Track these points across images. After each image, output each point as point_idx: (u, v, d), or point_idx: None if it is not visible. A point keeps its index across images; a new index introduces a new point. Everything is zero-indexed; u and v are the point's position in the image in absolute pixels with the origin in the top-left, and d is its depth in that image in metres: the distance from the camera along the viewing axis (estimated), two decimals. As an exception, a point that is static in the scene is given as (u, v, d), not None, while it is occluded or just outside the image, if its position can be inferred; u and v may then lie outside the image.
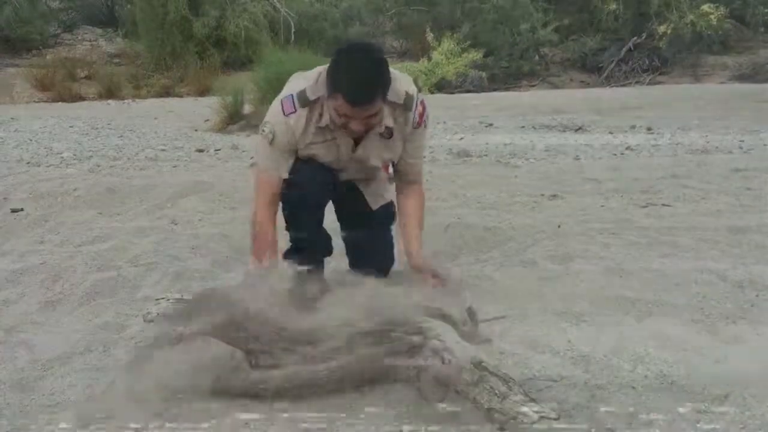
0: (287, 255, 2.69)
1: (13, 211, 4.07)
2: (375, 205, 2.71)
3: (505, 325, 2.28)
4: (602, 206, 4.03)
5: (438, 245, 3.47)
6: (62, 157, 5.75)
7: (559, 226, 3.53)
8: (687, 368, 1.98)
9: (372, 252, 2.78)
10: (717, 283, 2.71)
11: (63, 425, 1.74)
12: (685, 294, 2.57)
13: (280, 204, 2.51)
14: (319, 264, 2.70)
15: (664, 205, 4.07)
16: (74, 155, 5.86)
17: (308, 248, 2.62)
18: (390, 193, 2.75)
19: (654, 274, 2.80)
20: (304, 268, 2.61)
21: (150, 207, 4.01)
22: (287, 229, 2.62)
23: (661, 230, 3.42)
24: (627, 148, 6.24)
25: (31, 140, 6.95)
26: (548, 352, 2.10)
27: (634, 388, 1.88)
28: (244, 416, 1.74)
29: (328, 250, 2.79)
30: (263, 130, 2.48)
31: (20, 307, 2.56)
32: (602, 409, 1.77)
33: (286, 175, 2.45)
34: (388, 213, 2.76)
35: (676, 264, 2.94)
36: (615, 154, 5.99)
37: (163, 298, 1.83)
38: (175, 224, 3.65)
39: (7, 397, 1.90)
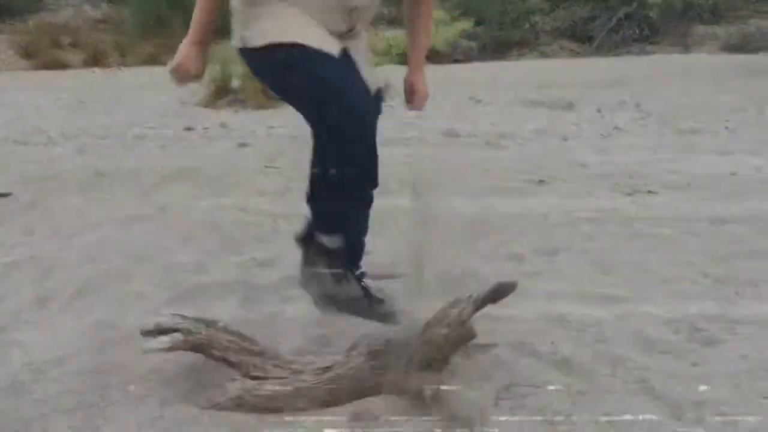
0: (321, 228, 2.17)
1: (2, 195, 4.07)
2: (373, 85, 2.20)
3: (490, 325, 2.33)
4: (588, 193, 4.09)
5: (427, 235, 3.51)
6: (49, 136, 5.74)
7: (545, 217, 3.59)
8: (665, 372, 2.04)
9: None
10: (698, 278, 2.78)
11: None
12: (667, 290, 2.64)
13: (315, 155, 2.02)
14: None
15: (649, 192, 4.12)
16: (62, 133, 5.84)
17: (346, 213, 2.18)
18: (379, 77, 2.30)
19: (636, 269, 2.86)
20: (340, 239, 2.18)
21: (139, 193, 4.02)
22: (327, 186, 2.05)
23: (646, 221, 3.48)
24: (615, 128, 6.29)
25: (18, 117, 6.92)
26: (532, 355, 2.15)
27: (614, 393, 1.94)
28: (236, 425, 1.79)
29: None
30: None
31: (12, 304, 2.58)
32: (583, 417, 1.83)
33: None
34: (379, 102, 2.31)
35: (658, 258, 3.00)
36: (603, 135, 6.04)
37: (161, 314, 1.88)
38: (165, 212, 3.67)
39: (3, 403, 1.93)
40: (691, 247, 3.12)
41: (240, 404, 1.85)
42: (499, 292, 1.90)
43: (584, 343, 2.23)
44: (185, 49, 1.98)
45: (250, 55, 2.03)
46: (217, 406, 1.86)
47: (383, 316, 2.46)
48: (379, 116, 2.22)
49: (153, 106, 7.68)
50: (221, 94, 8.10)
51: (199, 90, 8.15)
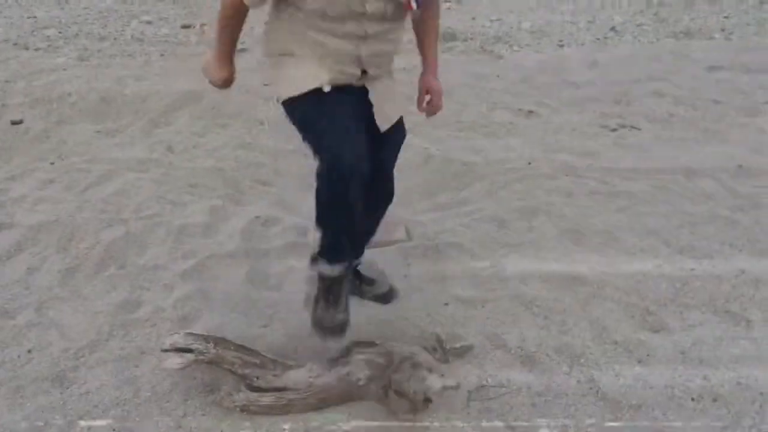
0: (322, 255, 2.33)
1: (13, 123, 4.26)
2: (384, 124, 2.35)
3: (468, 312, 2.66)
4: (574, 130, 4.27)
5: (418, 179, 3.77)
6: (48, 37, 5.77)
7: (529, 163, 3.81)
8: (613, 370, 2.38)
9: (377, 186, 2.43)
10: (660, 249, 3.07)
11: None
12: (629, 269, 2.93)
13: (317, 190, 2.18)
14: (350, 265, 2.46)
15: (632, 127, 4.31)
16: (60, 33, 5.86)
17: (347, 245, 2.36)
18: (401, 106, 2.48)
19: (606, 238, 3.14)
20: (341, 268, 2.32)
21: (145, 125, 4.21)
22: (322, 223, 2.26)
23: (623, 173, 3.71)
24: (611, 29, 6.29)
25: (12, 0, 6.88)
26: (501, 348, 2.48)
27: (567, 395, 2.29)
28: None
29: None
30: None
31: (43, 276, 2.88)
32: (538, 420, 2.19)
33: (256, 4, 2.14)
34: (399, 134, 2.47)
35: (628, 223, 3.27)
36: (598, 38, 6.07)
37: (176, 333, 2.21)
38: (172, 152, 3.89)
39: (51, 397, 2.28)
40: (659, 208, 3.39)
41: (244, 410, 2.19)
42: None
43: (549, 334, 2.56)
44: (210, 61, 2.30)
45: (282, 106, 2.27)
46: (226, 411, 2.22)
47: (377, 297, 2.78)
48: (401, 145, 2.48)
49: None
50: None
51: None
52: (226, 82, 2.38)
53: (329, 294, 2.32)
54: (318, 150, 2.13)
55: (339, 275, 2.32)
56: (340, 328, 2.31)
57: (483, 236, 3.18)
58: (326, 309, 2.32)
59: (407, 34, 2.40)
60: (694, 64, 5.32)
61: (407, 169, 3.81)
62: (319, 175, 2.13)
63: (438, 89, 2.53)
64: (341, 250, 2.32)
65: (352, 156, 2.10)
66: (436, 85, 2.52)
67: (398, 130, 2.47)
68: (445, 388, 2.18)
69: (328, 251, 2.30)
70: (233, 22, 2.23)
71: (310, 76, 2.19)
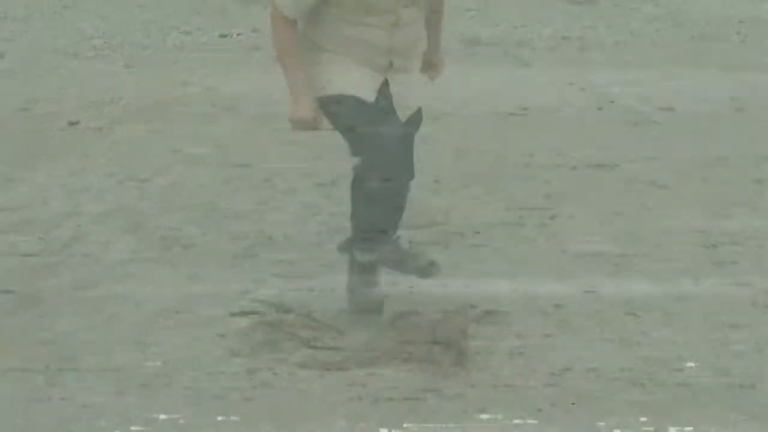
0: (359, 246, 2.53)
1: (71, 124, 4.59)
2: (405, 115, 2.50)
3: (505, 283, 2.89)
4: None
5: (450, 173, 4.02)
6: (94, 46, 6.10)
7: (559, 155, 4.08)
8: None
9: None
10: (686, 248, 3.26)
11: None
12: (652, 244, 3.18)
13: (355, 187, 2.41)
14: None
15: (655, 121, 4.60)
16: (105, 42, 6.18)
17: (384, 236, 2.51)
18: (420, 94, 2.64)
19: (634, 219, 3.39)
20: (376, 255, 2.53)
21: (191, 124, 4.51)
22: (364, 218, 2.47)
23: (651, 164, 3.98)
24: (630, 34, 6.51)
25: (54, 14, 7.20)
26: (537, 313, 2.70)
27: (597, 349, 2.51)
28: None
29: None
30: None
31: (114, 255, 3.16)
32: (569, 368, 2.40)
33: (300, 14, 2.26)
34: (417, 118, 2.61)
35: (656, 209, 3.53)
36: (617, 42, 6.31)
37: (242, 299, 2.53)
38: (219, 149, 4.19)
39: (131, 356, 2.52)
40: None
41: (303, 367, 2.41)
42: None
43: (584, 301, 2.77)
44: (301, 105, 2.32)
45: None
46: (290, 367, 2.44)
47: (418, 270, 3.00)
48: (417, 132, 2.65)
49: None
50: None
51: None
52: (312, 121, 2.36)
53: (365, 276, 2.54)
54: (363, 150, 2.34)
55: (375, 260, 2.53)
56: (378, 307, 2.54)
57: (517, 219, 3.42)
58: (363, 291, 2.54)
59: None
60: (713, 66, 5.57)
61: (443, 160, 4.07)
62: (366, 173, 2.33)
63: (441, 66, 2.75)
64: (379, 240, 2.50)
65: (398, 153, 2.34)
66: (439, 63, 2.74)
67: (416, 116, 2.63)
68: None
69: (366, 242, 2.51)
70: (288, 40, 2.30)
71: (339, 76, 2.34)
